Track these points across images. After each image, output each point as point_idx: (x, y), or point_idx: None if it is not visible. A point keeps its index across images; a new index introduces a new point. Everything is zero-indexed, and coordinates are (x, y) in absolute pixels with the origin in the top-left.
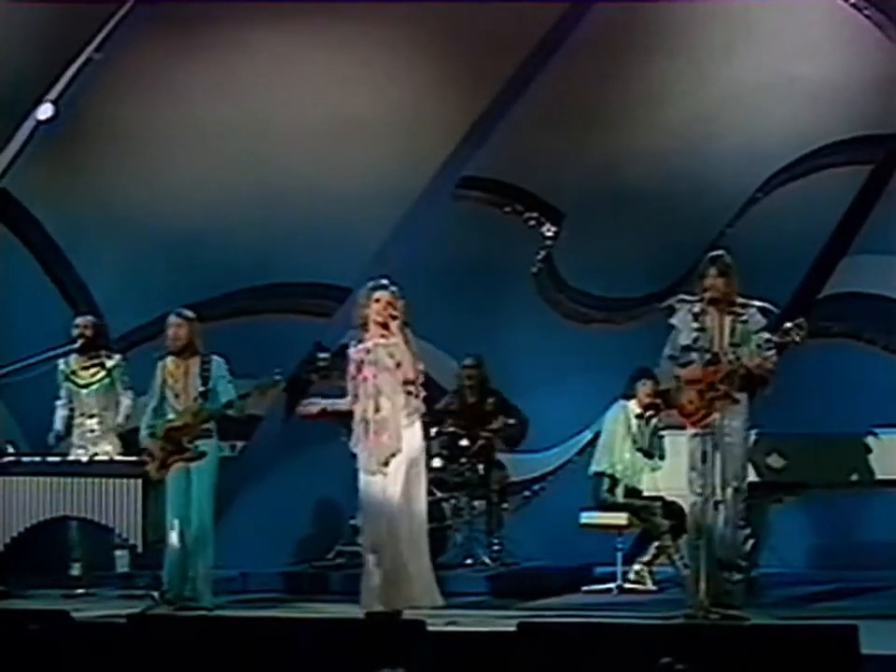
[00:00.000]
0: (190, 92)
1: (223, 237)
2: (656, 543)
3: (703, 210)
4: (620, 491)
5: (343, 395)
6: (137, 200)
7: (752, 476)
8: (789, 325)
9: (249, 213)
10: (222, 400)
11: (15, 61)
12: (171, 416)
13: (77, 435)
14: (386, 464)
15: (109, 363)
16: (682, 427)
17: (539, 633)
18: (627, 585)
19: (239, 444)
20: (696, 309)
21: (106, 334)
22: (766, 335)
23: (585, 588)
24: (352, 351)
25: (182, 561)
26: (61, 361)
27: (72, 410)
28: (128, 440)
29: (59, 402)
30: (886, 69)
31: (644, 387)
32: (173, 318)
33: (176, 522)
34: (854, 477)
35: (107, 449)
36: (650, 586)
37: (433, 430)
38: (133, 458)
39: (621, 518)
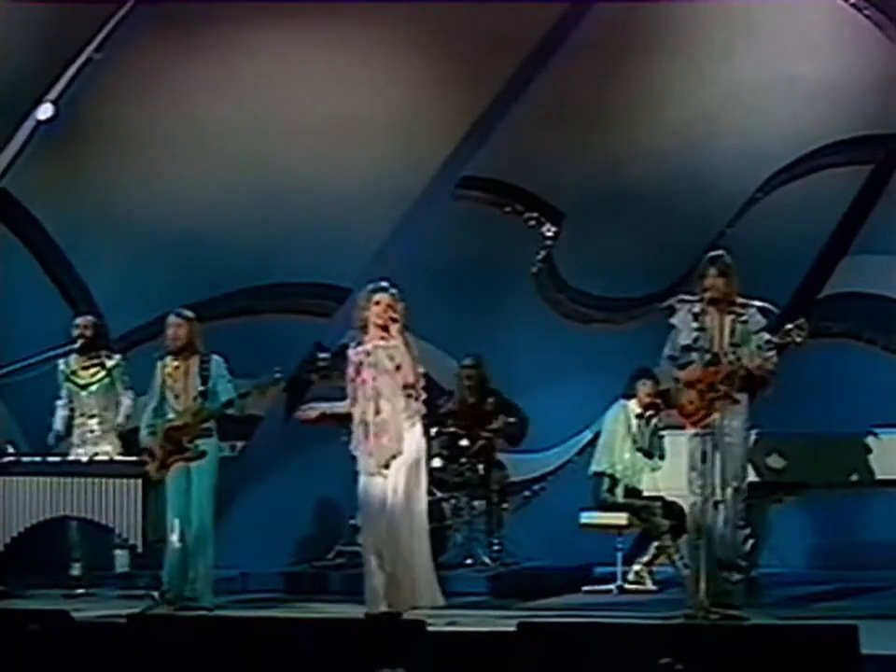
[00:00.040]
0: (190, 92)
1: (223, 237)
2: (656, 543)
3: (703, 210)
4: (620, 491)
5: (342, 396)
6: (137, 200)
7: (752, 476)
8: (789, 326)
9: (249, 213)
10: (222, 400)
11: (15, 61)
12: (171, 416)
13: (77, 435)
14: (387, 466)
15: (109, 363)
16: (682, 427)
17: (539, 633)
18: (627, 585)
19: (239, 444)
20: (696, 309)
21: (106, 334)
22: (767, 336)
23: (585, 588)
24: (351, 353)
25: (182, 561)
26: (61, 361)
27: (72, 410)
28: (128, 440)
29: (59, 402)
30: (886, 69)
31: (644, 387)
32: (172, 318)
33: (177, 522)
34: (854, 477)
35: (107, 449)
36: (650, 586)
37: (433, 430)
38: (133, 458)
39: (621, 518)
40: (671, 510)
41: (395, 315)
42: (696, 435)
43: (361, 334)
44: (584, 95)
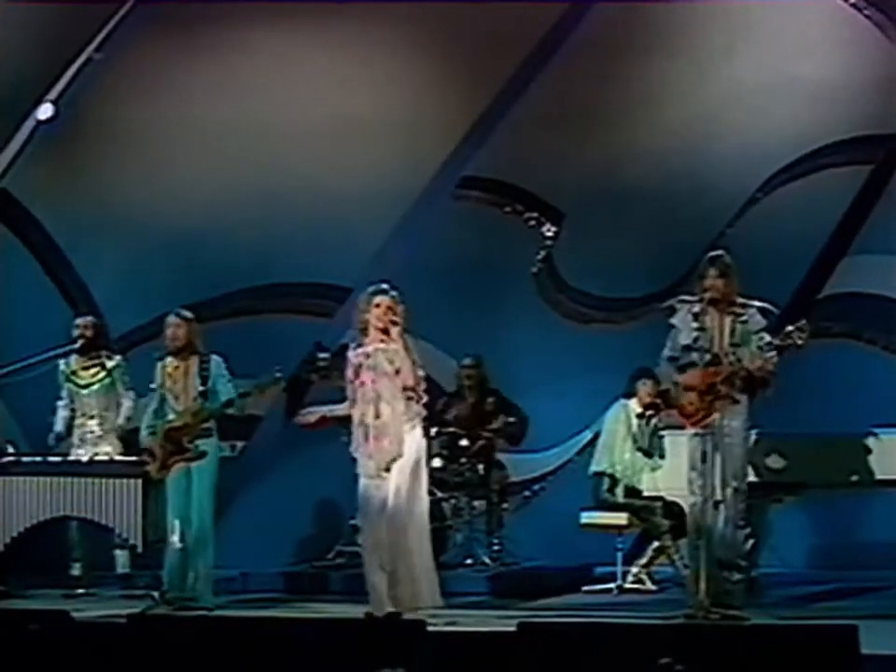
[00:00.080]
0: (190, 92)
1: (223, 237)
2: (653, 545)
3: (703, 210)
4: (620, 491)
5: (342, 397)
6: (137, 200)
7: (752, 476)
8: (790, 328)
9: (249, 213)
10: (222, 400)
11: (15, 61)
12: (171, 417)
13: (77, 435)
14: (388, 469)
15: (109, 364)
16: (682, 427)
17: (539, 633)
18: (627, 585)
19: (239, 444)
20: (696, 309)
21: (107, 334)
22: (767, 338)
23: (585, 588)
24: (351, 354)
25: (182, 561)
26: (61, 362)
27: (73, 410)
28: (128, 440)
29: (60, 403)
30: (886, 69)
31: (644, 387)
32: (171, 318)
33: (177, 523)
34: (854, 477)
35: (107, 450)
36: (649, 586)
37: (433, 430)
38: (133, 458)
39: (621, 518)
40: (671, 510)
41: (395, 318)
42: (696, 435)
43: (361, 336)
44: (584, 95)
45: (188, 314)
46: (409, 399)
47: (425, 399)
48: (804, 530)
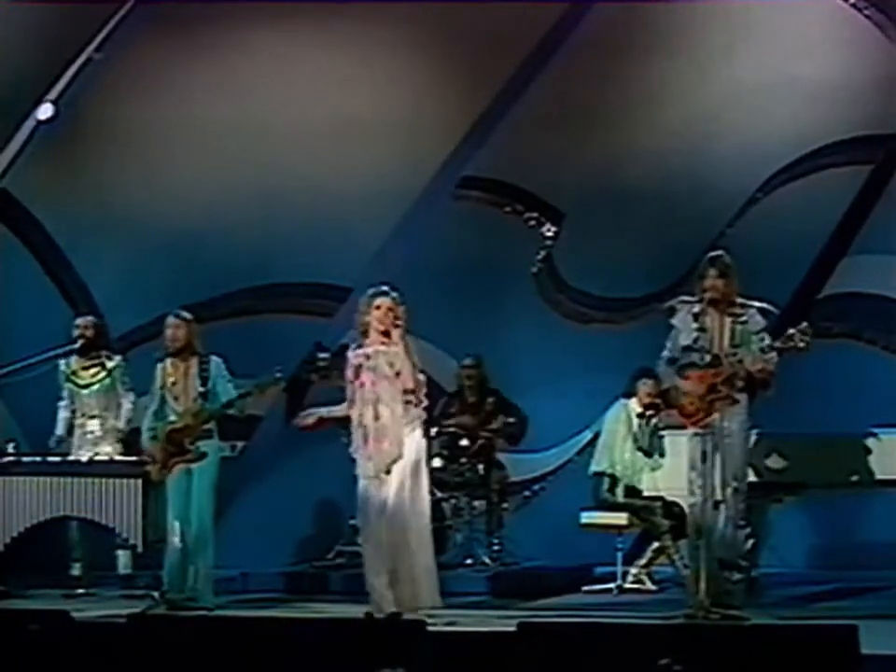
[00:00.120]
0: (190, 92)
1: (223, 237)
2: (653, 546)
3: (703, 210)
4: (620, 491)
5: (342, 398)
6: (137, 200)
7: (752, 476)
8: (792, 330)
9: (249, 213)
10: (222, 400)
11: (15, 61)
12: (172, 418)
13: (77, 436)
14: (388, 471)
15: (110, 364)
16: (682, 427)
17: (539, 633)
18: (627, 585)
19: (239, 444)
20: (696, 309)
21: (107, 334)
22: (768, 339)
23: (585, 588)
24: (351, 355)
25: (182, 561)
26: (61, 362)
27: (73, 411)
28: (128, 441)
29: (61, 404)
30: (886, 69)
31: (645, 386)
32: (171, 319)
33: (177, 523)
34: (854, 477)
35: (108, 450)
36: (649, 586)
37: (433, 430)
38: (134, 458)
39: (621, 518)
40: (671, 510)
41: (396, 321)
42: (696, 435)
43: (362, 338)
44: (584, 95)
45: (187, 315)
46: (408, 402)
47: (425, 402)
48: (804, 530)
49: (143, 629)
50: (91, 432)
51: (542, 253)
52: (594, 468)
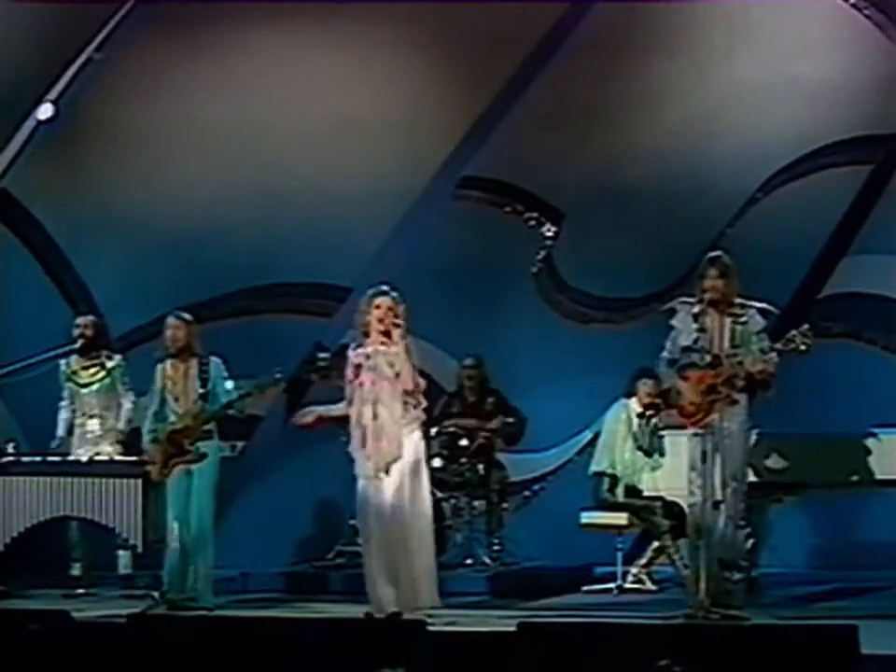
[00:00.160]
0: (190, 92)
1: (223, 237)
2: (653, 546)
3: (703, 210)
4: (620, 491)
5: (342, 398)
6: (137, 200)
7: (752, 476)
8: (794, 332)
9: (249, 213)
10: (222, 401)
11: (15, 61)
12: (172, 419)
13: (77, 435)
14: (386, 471)
15: (109, 364)
16: (682, 427)
17: (539, 633)
18: (627, 585)
19: (239, 444)
20: (696, 310)
21: (107, 334)
22: (768, 341)
23: (585, 588)
24: (351, 354)
25: (182, 561)
26: (62, 361)
27: (74, 412)
28: (128, 441)
29: (62, 404)
30: (886, 69)
31: (645, 386)
32: (171, 320)
33: (176, 524)
34: (854, 477)
35: (108, 449)
36: (649, 586)
37: (433, 430)
38: (134, 458)
39: (621, 518)
40: (671, 510)
41: (397, 320)
42: (696, 435)
43: (363, 338)
44: (584, 95)
45: (187, 316)
46: (407, 403)
47: (424, 404)
48: (804, 530)
49: (143, 629)
50: (92, 432)
51: (542, 253)
52: (594, 467)
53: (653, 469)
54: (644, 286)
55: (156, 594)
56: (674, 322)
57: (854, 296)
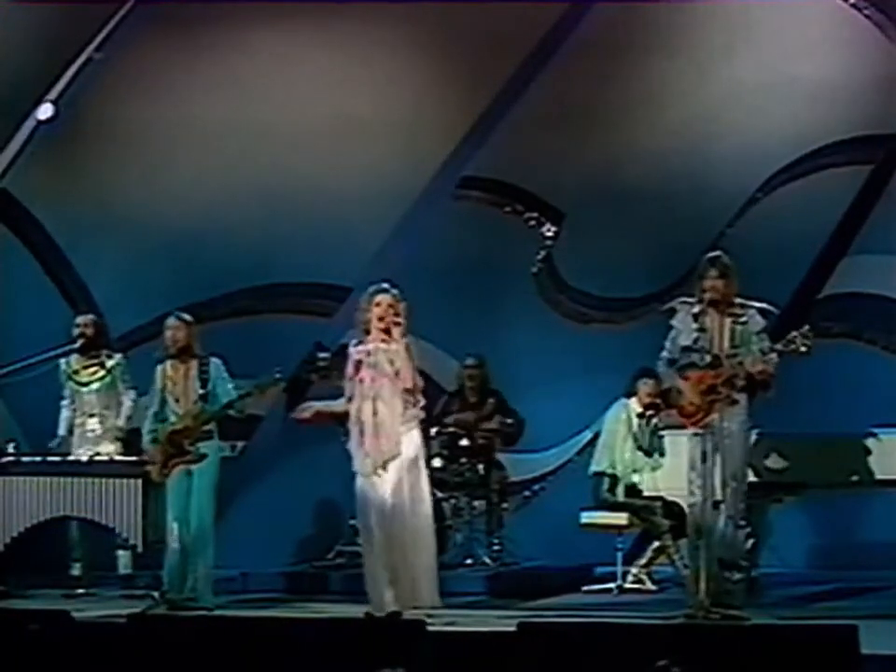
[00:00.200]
0: (190, 92)
1: (223, 237)
2: (653, 546)
3: (703, 210)
4: (620, 490)
5: (341, 395)
6: (137, 200)
7: (752, 476)
8: (794, 333)
9: (249, 213)
10: (222, 401)
11: (15, 61)
12: (172, 420)
13: (78, 434)
14: (384, 468)
15: (109, 363)
16: (682, 427)
17: (539, 633)
18: (627, 585)
19: (239, 444)
20: (696, 310)
21: (107, 333)
22: (768, 341)
23: (585, 588)
24: (352, 350)
25: (182, 561)
26: (62, 361)
27: (75, 411)
28: (128, 440)
29: (63, 403)
30: (886, 69)
31: (645, 386)
32: (171, 321)
33: (175, 525)
34: (854, 477)
35: (108, 449)
36: (649, 586)
37: (433, 430)
38: (134, 458)
39: (621, 518)
40: (671, 510)
41: (397, 319)
42: (696, 435)
43: (364, 335)
44: (584, 95)
45: (187, 316)
46: (406, 401)
47: (422, 402)
48: (804, 530)
49: (143, 629)
50: (92, 431)
51: (542, 253)
52: (594, 467)
53: (653, 469)
54: (644, 286)
55: (156, 594)
56: (674, 322)
57: (854, 296)
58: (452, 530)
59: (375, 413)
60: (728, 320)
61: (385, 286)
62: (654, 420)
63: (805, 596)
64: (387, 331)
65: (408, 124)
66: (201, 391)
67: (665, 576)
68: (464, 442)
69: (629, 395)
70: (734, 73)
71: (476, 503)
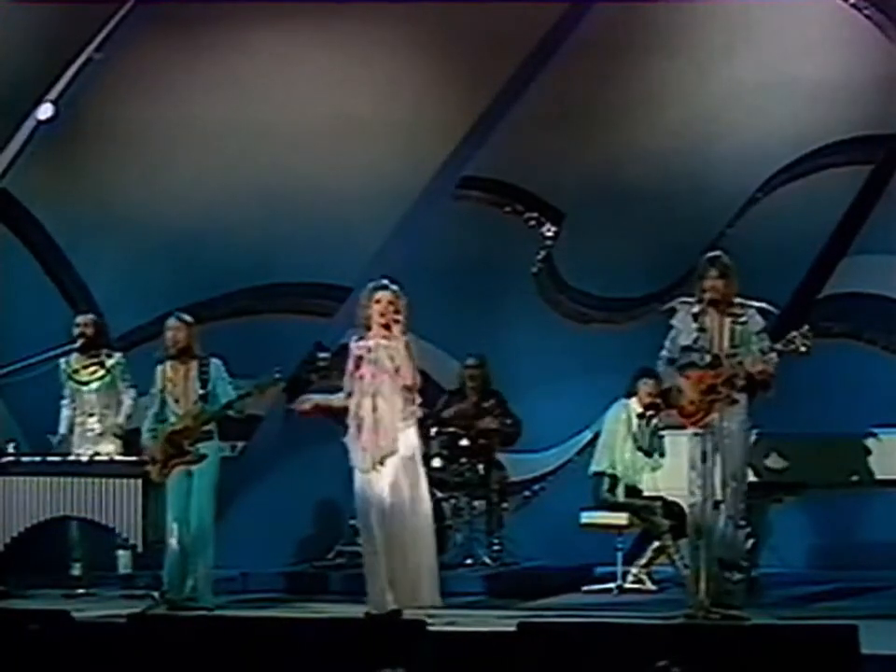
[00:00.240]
0: (190, 92)
1: (223, 237)
2: (653, 546)
3: (703, 210)
4: (620, 491)
5: (340, 391)
6: (137, 200)
7: (752, 476)
8: (794, 333)
9: (249, 213)
10: (222, 402)
11: (15, 61)
12: (172, 420)
13: (78, 434)
14: (381, 464)
15: (109, 362)
16: (682, 427)
17: (539, 633)
18: (627, 585)
19: (239, 444)
20: (696, 310)
21: (107, 333)
22: (768, 341)
23: (585, 588)
24: (353, 346)
25: (182, 561)
26: (62, 360)
27: (75, 409)
28: (128, 439)
29: (64, 402)
30: (886, 69)
31: (646, 386)
32: (172, 321)
33: (175, 525)
34: (854, 477)
35: (109, 448)
36: (649, 586)
37: (433, 430)
38: (134, 458)
39: (621, 518)
40: (671, 510)
41: (397, 317)
42: (696, 435)
43: (365, 331)
44: (584, 95)
45: (188, 317)
46: (406, 398)
47: (419, 400)
48: (804, 530)
49: (143, 629)
50: (92, 430)
51: (542, 253)
52: (594, 468)
53: (653, 469)
54: (644, 286)
55: (156, 594)
56: (674, 322)
57: (854, 296)
58: (452, 530)
59: (375, 410)
60: (728, 320)
61: (385, 282)
62: (654, 420)
63: (804, 596)
64: (387, 327)
65: (408, 124)
66: (201, 392)
67: (665, 576)
68: (464, 442)
69: (629, 395)
70: (734, 73)
71: (476, 503)
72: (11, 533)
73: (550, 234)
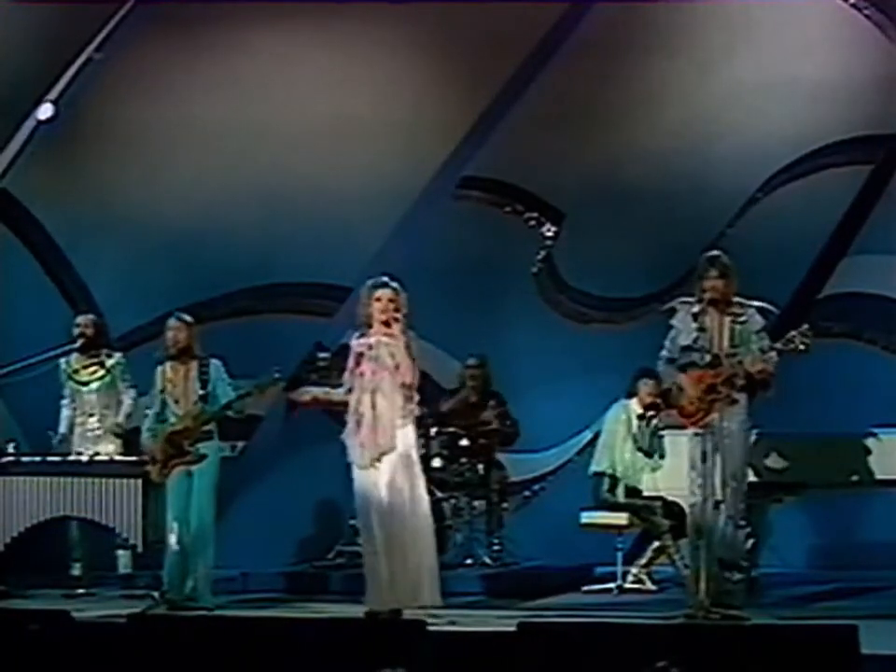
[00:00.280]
0: (190, 92)
1: (223, 237)
2: (653, 545)
3: (703, 210)
4: (620, 491)
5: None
6: (137, 200)
7: (752, 476)
8: (794, 333)
9: (249, 213)
10: (222, 402)
11: (15, 61)
12: (172, 420)
13: (78, 434)
14: (379, 461)
15: (109, 362)
16: (682, 427)
17: (539, 633)
18: (627, 585)
19: (239, 444)
20: (696, 309)
21: (107, 333)
22: (768, 340)
23: (585, 588)
24: (354, 343)
25: (182, 561)
26: (62, 360)
27: (75, 409)
28: (128, 439)
29: (64, 402)
30: (886, 69)
31: (646, 386)
32: (172, 322)
33: (175, 525)
34: (854, 477)
35: (109, 448)
36: (649, 586)
37: (433, 430)
38: (134, 458)
39: (621, 518)
40: (671, 510)
41: (397, 314)
42: (696, 435)
43: (365, 328)
44: (584, 95)
45: (188, 317)
46: (405, 396)
47: (417, 398)
48: (804, 530)
49: (143, 629)
50: (92, 430)
51: (542, 253)
52: (594, 468)
53: (653, 469)
54: (644, 286)
55: (156, 594)
56: (674, 322)
57: (854, 296)
58: (452, 530)
59: (374, 407)
60: (728, 319)
61: (385, 279)
62: (654, 421)
63: (804, 596)
64: (388, 324)
65: (408, 124)
66: (200, 392)
67: (665, 576)
68: (464, 442)
69: (630, 395)
70: (734, 73)
71: (476, 503)
72: (11, 533)
73: (550, 234)
